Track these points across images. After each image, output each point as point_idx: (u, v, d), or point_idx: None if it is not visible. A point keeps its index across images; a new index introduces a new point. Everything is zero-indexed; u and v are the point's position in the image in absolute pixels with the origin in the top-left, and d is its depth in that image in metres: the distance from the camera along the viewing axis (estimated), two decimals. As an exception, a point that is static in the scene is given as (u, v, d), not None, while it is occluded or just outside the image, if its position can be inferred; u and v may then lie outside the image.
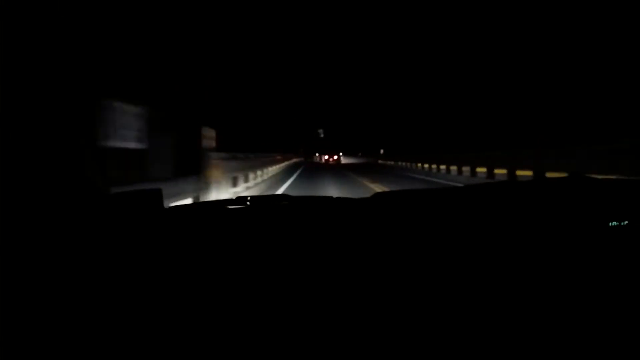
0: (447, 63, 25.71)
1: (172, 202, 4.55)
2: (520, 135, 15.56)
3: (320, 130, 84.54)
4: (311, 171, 21.18)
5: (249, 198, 1.18)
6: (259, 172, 14.12)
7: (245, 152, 12.34)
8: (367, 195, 1.26)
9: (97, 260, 0.88)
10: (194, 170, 6.28)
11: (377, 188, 11.28)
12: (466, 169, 16.31)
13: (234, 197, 1.23)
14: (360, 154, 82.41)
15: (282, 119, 36.95)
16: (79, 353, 0.78)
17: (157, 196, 1.09)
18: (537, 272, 0.93)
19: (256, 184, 12.79)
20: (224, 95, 11.52)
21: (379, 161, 45.26)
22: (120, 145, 4.68)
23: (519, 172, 11.78)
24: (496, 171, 13.53)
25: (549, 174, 9.44)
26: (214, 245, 0.94)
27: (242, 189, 10.47)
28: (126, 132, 4.82)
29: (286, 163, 28.48)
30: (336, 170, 22.44)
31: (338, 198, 1.21)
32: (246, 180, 11.72)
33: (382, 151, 52.29)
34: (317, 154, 74.58)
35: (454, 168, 17.83)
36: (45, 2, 0.91)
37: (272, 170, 18.47)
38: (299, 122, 60.26)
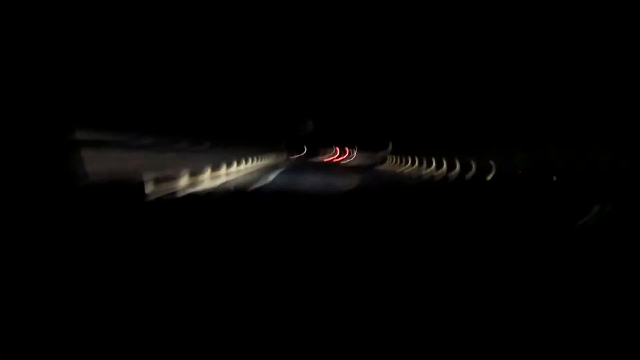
0: (474, 32, 18.61)
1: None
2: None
3: (310, 122, 74.13)
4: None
5: (233, 190, 0.56)
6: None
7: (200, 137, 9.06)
8: None
9: (82, 256, 0.70)
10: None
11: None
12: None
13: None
14: (356, 148, 72.45)
15: (258, 104, 27.95)
16: (66, 350, 0.74)
17: (139, 187, 0.59)
18: (513, 270, 0.64)
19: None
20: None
21: (392, 156, 35.67)
22: None
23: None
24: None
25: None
26: (196, 239, 0.64)
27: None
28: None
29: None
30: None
31: (321, 193, 0.74)
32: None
33: (390, 145, 42.19)
34: (305, 148, 64.80)
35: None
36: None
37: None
38: (281, 109, 49.60)
